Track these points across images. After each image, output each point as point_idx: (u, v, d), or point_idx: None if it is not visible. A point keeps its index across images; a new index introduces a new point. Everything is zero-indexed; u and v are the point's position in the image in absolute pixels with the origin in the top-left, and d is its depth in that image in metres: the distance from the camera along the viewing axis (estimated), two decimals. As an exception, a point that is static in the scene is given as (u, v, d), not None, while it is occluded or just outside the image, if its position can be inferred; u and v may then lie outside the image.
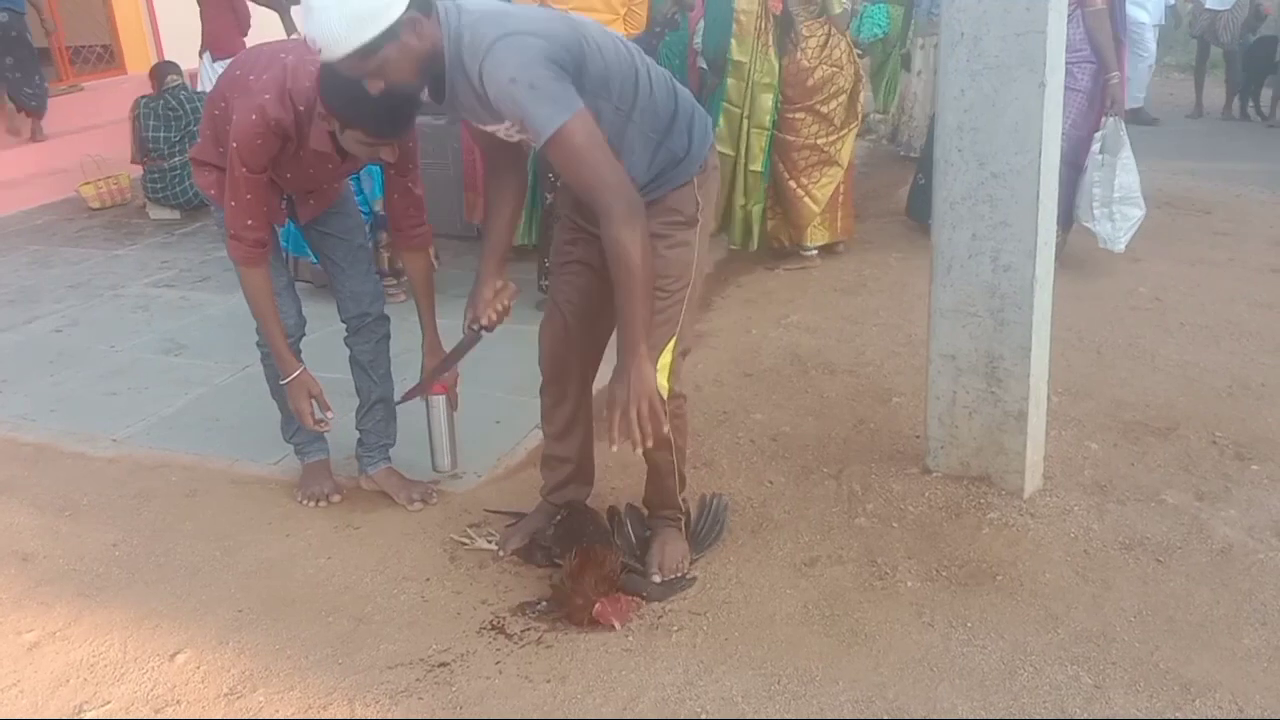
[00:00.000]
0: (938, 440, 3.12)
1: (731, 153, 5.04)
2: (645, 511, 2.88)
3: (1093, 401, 3.62)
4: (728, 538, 2.88)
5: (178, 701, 2.35)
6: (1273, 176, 6.97)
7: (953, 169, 2.88)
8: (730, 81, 4.99)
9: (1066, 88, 4.48)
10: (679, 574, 2.71)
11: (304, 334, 3.06)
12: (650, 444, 2.34)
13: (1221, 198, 6.45)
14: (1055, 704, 2.23)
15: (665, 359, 2.53)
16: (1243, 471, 3.15)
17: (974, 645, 2.42)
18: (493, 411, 3.68)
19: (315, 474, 3.18)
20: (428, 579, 2.76)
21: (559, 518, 2.85)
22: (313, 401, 2.90)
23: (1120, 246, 4.86)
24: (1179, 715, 2.19)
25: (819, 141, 5.05)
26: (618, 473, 3.27)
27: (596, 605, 2.51)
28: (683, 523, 2.82)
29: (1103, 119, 4.75)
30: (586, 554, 2.63)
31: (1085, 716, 2.20)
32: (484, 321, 2.64)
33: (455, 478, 3.24)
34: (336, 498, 3.14)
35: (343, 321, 3.11)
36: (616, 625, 2.50)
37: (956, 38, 2.80)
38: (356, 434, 3.20)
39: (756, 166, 5.06)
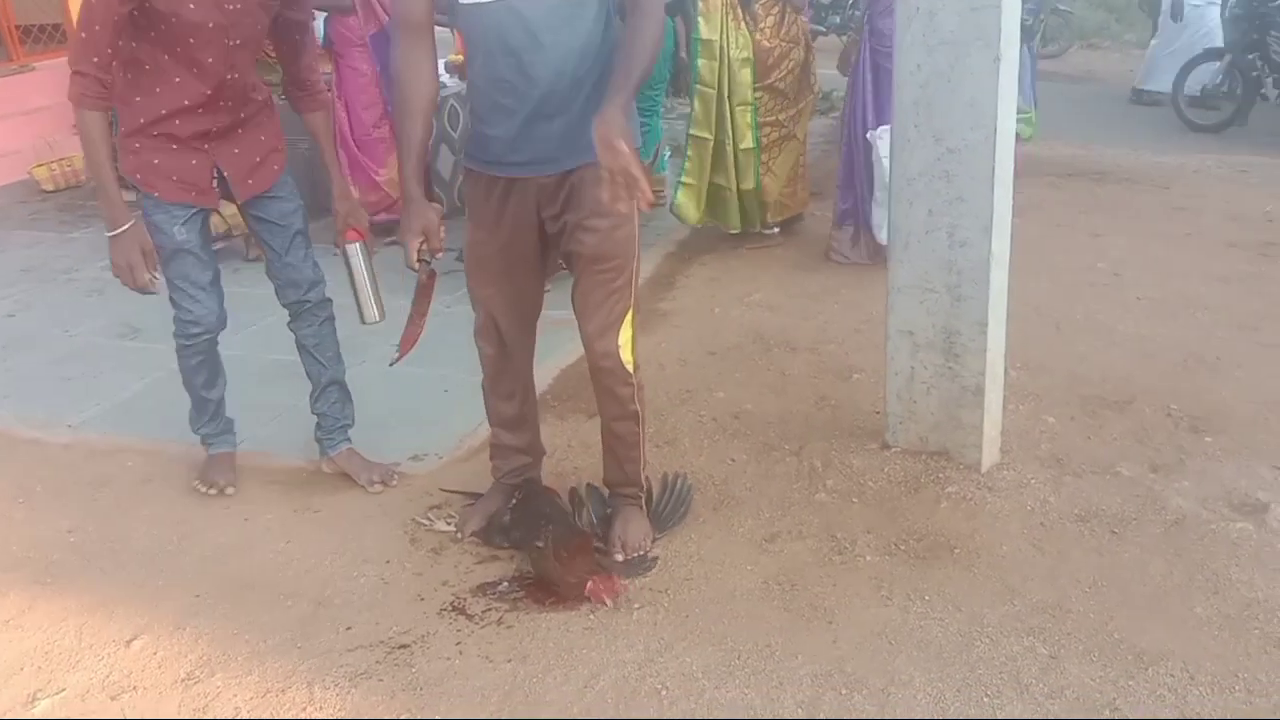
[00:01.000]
0: (897, 416, 3.14)
1: (709, 135, 4.98)
2: (606, 491, 2.88)
3: (1050, 376, 3.66)
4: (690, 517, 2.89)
5: (134, 688, 2.32)
6: (1231, 152, 7.05)
7: (909, 145, 2.89)
8: (701, 62, 4.93)
9: (889, 71, 4.45)
10: (641, 552, 2.71)
11: (224, 327, 2.99)
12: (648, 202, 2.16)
13: (1180, 173, 6.52)
14: (1011, 675, 2.26)
15: (626, 334, 2.57)
16: (1197, 443, 3.19)
17: (931, 618, 2.44)
18: (451, 393, 3.66)
19: (216, 464, 3.14)
20: (388, 561, 2.75)
21: (516, 499, 2.84)
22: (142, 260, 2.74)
23: (880, 236, 4.57)
24: (1132, 683, 2.22)
25: (780, 117, 5.05)
26: (580, 452, 3.27)
27: (589, 583, 2.52)
28: (644, 500, 2.82)
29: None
30: (572, 535, 2.67)
31: (1041, 686, 2.22)
32: (439, 252, 2.49)
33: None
34: (231, 490, 3.09)
35: (283, 307, 3.06)
36: (609, 602, 2.50)
37: (912, 12, 2.80)
38: (314, 418, 3.18)
39: (747, 144, 5.00)
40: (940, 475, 3.01)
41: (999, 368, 3.03)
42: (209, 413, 3.11)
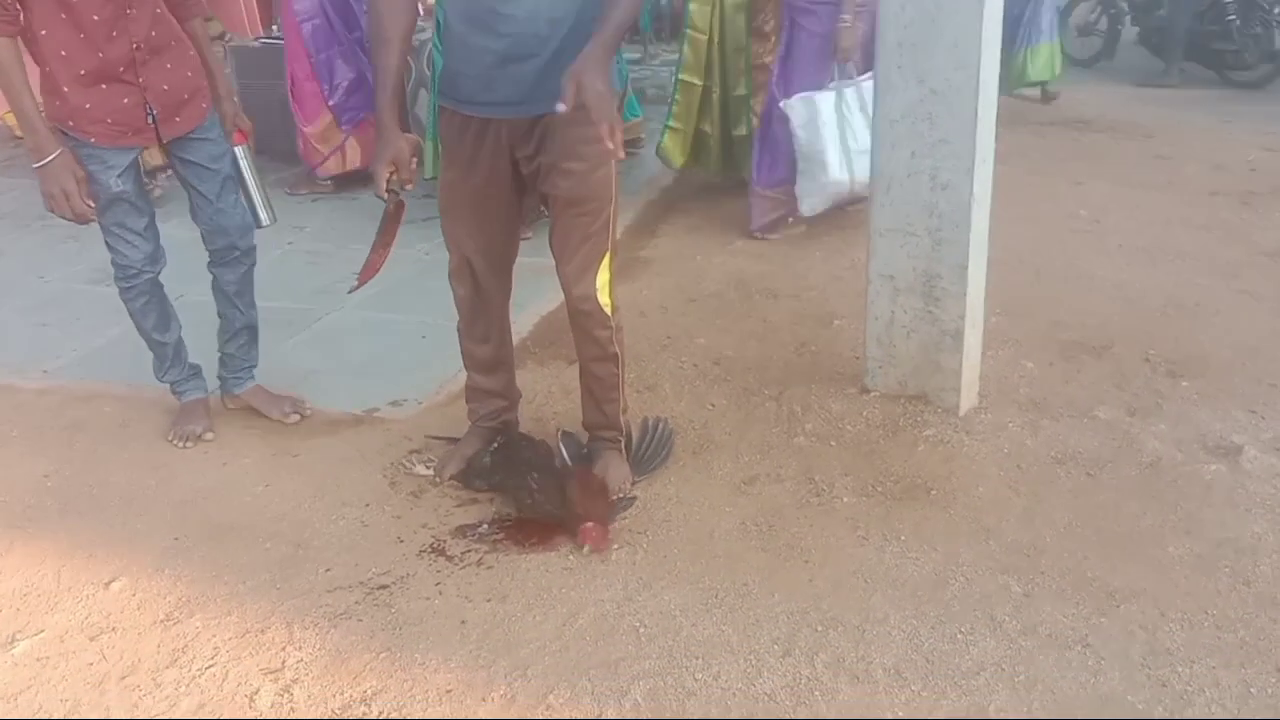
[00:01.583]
0: (876, 360, 3.15)
1: (698, 81, 4.88)
2: (584, 436, 2.88)
3: (1030, 322, 3.67)
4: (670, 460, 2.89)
5: (113, 628, 2.33)
6: (1214, 102, 7.04)
7: (892, 87, 2.86)
8: (693, 6, 4.82)
9: (804, 29, 4.22)
10: (620, 495, 2.72)
11: (164, 265, 2.98)
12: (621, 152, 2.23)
13: (1164, 122, 6.50)
14: (985, 612, 2.28)
15: (604, 277, 2.57)
16: (1174, 388, 3.21)
17: (907, 557, 2.47)
18: (429, 339, 3.64)
19: (190, 412, 3.12)
20: (367, 504, 2.75)
21: (497, 444, 2.84)
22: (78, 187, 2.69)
23: (802, 208, 4.42)
24: (1104, 620, 2.25)
25: (765, 60, 4.97)
26: (560, 398, 3.27)
27: (586, 524, 2.51)
28: (623, 444, 2.82)
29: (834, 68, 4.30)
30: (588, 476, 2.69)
31: (1014, 623, 2.25)
32: (409, 183, 2.45)
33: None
34: (210, 436, 3.08)
35: (207, 250, 3.02)
36: (585, 549, 2.49)
37: (896, -49, 2.76)
38: (220, 357, 3.19)
39: (740, 90, 4.88)
40: (918, 419, 3.03)
41: (979, 312, 3.04)
42: (168, 358, 3.09)
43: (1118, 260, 4.25)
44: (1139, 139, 6.13)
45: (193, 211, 2.98)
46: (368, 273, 2.57)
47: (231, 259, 3.02)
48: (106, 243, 2.88)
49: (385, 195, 2.45)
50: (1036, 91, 6.99)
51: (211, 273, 3.06)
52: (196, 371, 3.17)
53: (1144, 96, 7.24)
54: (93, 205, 2.74)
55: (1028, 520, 2.60)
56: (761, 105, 4.99)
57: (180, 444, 3.05)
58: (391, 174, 2.42)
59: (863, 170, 4.18)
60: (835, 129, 4.23)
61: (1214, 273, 4.10)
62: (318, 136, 5.26)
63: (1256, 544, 2.48)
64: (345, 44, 5.16)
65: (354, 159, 5.35)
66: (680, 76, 4.94)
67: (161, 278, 3.00)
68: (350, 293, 2.78)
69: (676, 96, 4.97)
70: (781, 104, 4.29)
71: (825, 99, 4.21)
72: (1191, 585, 2.36)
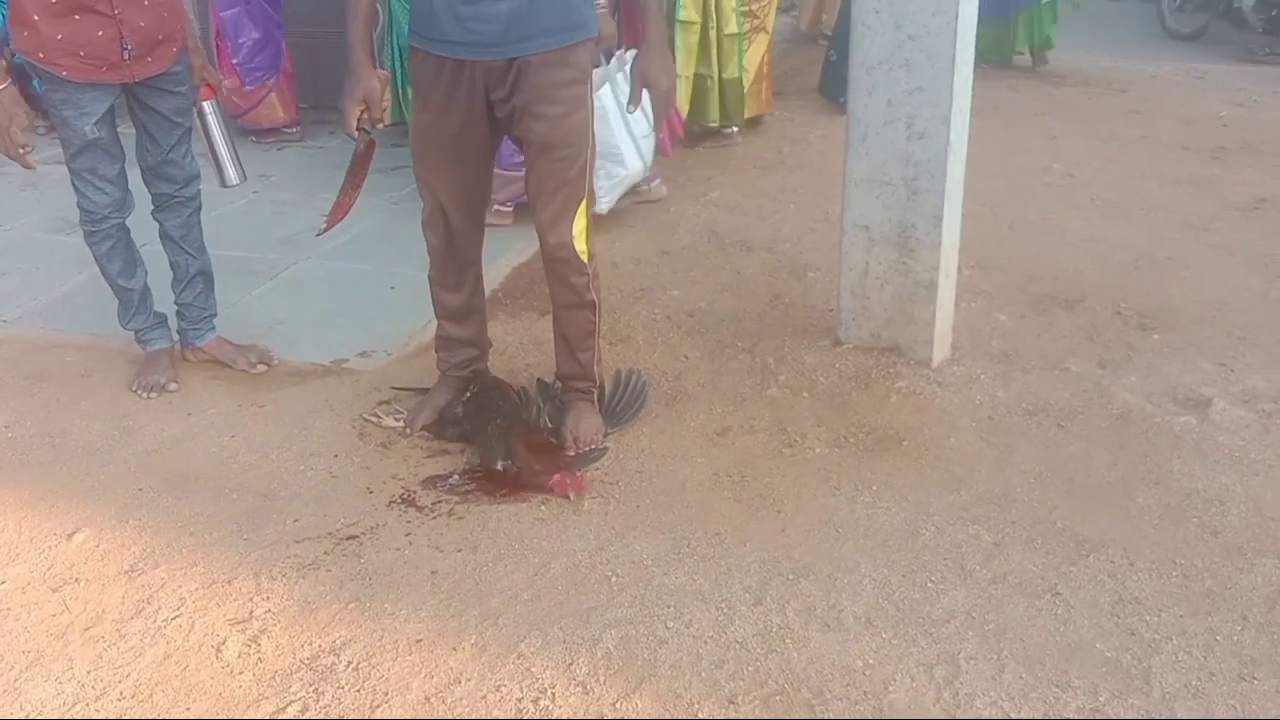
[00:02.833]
0: (849, 312, 3.13)
1: (697, 19, 4.78)
2: (557, 385, 2.85)
3: (1003, 275, 3.67)
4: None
5: (76, 579, 2.29)
6: (1186, 58, 7.04)
7: (870, 31, 2.82)
8: None
9: None
10: (593, 446, 2.70)
11: (132, 210, 2.93)
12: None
13: (1137, 77, 6.51)
14: (955, 561, 2.29)
15: (580, 223, 2.54)
16: (1144, 340, 3.22)
17: (878, 507, 2.47)
18: (399, 290, 3.60)
19: (155, 362, 3.06)
20: (336, 455, 2.72)
21: (470, 393, 2.81)
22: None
23: (601, 207, 4.00)
24: (1073, 569, 2.27)
25: (753, 7, 4.91)
26: (532, 349, 3.24)
27: (556, 476, 2.51)
28: (596, 395, 2.80)
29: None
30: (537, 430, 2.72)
31: (984, 572, 2.25)
32: (380, 122, 2.43)
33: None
34: (174, 386, 3.02)
35: (150, 194, 2.97)
36: (572, 496, 2.49)
37: (874, -107, 2.71)
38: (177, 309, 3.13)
39: (731, 29, 4.81)
40: (891, 370, 3.02)
41: (952, 263, 3.02)
42: (134, 304, 3.03)
43: (1090, 214, 4.25)
44: (1113, 94, 6.13)
45: (139, 152, 2.91)
46: (337, 214, 2.51)
47: (174, 204, 2.96)
48: (74, 185, 2.81)
49: (356, 134, 2.40)
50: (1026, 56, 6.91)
51: (156, 220, 3.00)
52: (162, 320, 3.10)
53: (1118, 52, 7.22)
54: (29, 148, 2.67)
55: (998, 471, 2.60)
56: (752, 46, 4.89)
57: (144, 394, 2.99)
58: (362, 112, 2.37)
59: (649, 152, 4.14)
60: (620, 120, 3.97)
61: (1185, 227, 4.11)
62: (234, 92, 5.20)
63: (1224, 495, 2.50)
64: (253, 2, 5.09)
65: (271, 116, 5.32)
66: (680, 18, 4.74)
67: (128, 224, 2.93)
68: (319, 235, 2.73)
69: (677, 41, 4.78)
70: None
71: (604, 93, 3.92)
72: (1160, 535, 2.38)
